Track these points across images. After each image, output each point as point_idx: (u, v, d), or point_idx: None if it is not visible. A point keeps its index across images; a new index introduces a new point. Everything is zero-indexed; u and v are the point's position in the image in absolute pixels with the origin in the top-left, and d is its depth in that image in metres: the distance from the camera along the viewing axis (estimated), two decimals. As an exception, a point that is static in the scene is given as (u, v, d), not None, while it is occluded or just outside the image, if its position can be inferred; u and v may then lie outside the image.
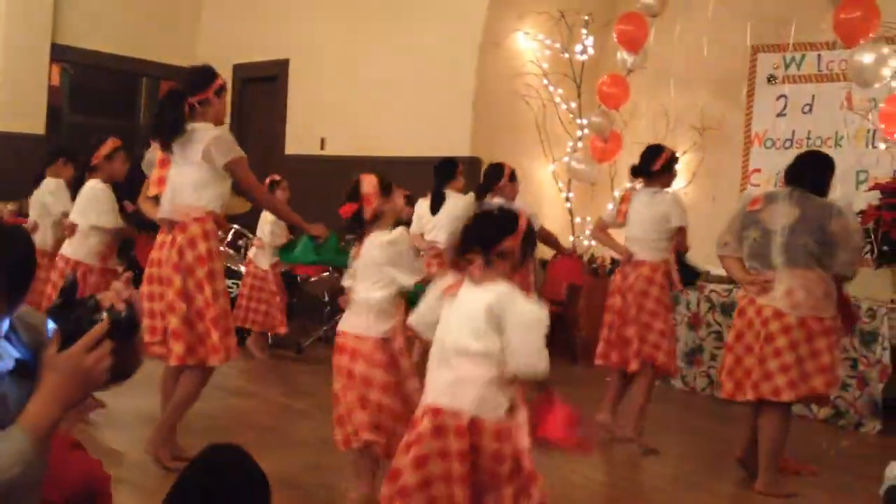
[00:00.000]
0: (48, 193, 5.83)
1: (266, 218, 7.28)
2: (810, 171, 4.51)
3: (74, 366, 1.66)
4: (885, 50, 5.88)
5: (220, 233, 4.46)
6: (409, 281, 3.66)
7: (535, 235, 2.97)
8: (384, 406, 3.62)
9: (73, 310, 1.70)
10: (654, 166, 5.15)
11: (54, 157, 5.96)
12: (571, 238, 8.34)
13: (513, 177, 6.03)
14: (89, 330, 1.68)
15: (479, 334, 2.75)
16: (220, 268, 4.22)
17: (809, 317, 4.32)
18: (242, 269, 7.68)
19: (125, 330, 1.72)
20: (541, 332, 2.71)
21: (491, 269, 2.78)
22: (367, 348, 3.64)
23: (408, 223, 6.14)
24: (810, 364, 4.32)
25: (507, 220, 2.86)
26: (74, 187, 5.54)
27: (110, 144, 5.34)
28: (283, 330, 7.31)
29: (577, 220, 8.42)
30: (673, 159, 5.22)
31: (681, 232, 5.12)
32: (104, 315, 1.69)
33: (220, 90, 4.31)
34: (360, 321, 3.71)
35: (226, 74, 4.65)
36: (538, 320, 2.72)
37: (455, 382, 2.76)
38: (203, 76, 4.31)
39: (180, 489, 1.83)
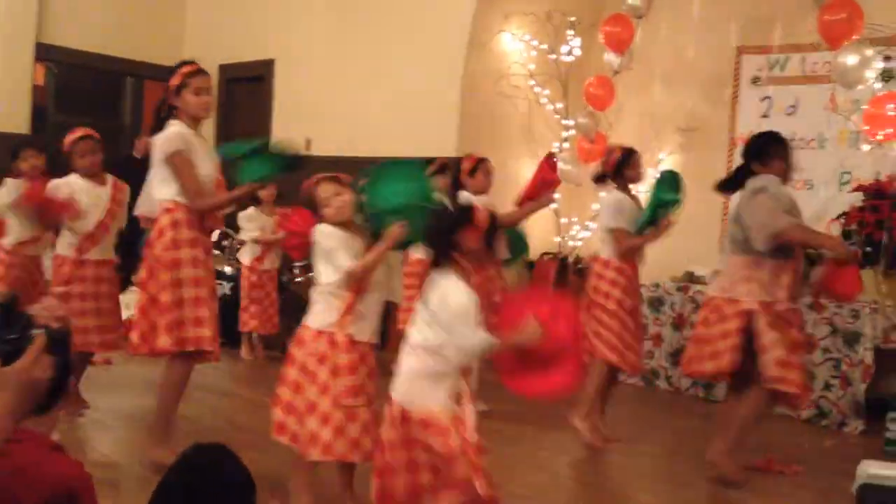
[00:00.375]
0: (5, 193, 5.66)
1: (242, 216, 7.37)
2: (743, 165, 4.68)
3: (26, 379, 1.66)
4: (869, 52, 5.91)
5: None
6: (324, 277, 3.58)
7: (496, 229, 3.00)
8: (313, 403, 3.54)
9: (11, 325, 1.70)
10: (607, 169, 5.29)
11: (17, 153, 5.70)
12: (557, 239, 8.35)
13: (474, 170, 5.86)
14: (25, 348, 1.68)
15: (419, 326, 2.89)
16: (188, 257, 4.15)
17: (723, 298, 4.52)
18: (227, 269, 7.66)
19: (58, 348, 1.73)
20: (468, 317, 2.79)
21: (449, 265, 2.85)
22: (306, 336, 3.63)
23: None
24: (721, 343, 4.47)
25: (458, 216, 2.92)
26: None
27: (69, 139, 5.17)
28: (261, 329, 7.36)
29: (564, 220, 8.43)
30: (624, 158, 5.22)
31: (613, 234, 5.13)
32: (39, 332, 1.70)
33: (179, 89, 4.21)
34: (310, 312, 3.70)
35: (211, 74, 4.60)
36: (462, 305, 2.80)
37: (400, 374, 2.93)
38: (167, 81, 4.27)
39: (164, 489, 1.82)
